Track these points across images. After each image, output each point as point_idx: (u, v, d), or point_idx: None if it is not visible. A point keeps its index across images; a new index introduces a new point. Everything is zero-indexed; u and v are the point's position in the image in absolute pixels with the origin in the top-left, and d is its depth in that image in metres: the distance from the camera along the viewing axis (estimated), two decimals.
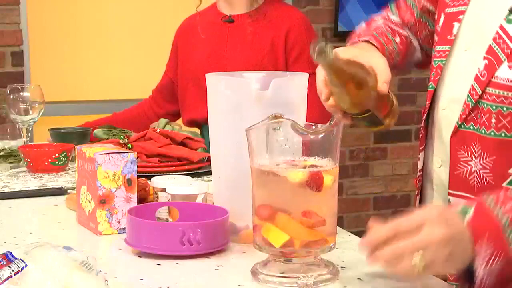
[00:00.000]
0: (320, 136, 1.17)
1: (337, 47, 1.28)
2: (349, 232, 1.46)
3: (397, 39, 1.53)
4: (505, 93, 1.28)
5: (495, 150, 1.30)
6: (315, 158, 1.18)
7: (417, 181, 1.50)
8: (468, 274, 1.13)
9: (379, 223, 1.10)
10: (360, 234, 1.56)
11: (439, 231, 1.07)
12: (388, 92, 1.32)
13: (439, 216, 1.09)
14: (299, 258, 1.17)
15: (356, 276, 1.21)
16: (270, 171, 1.17)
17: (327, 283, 1.17)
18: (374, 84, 1.27)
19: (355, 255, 1.31)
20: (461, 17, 1.40)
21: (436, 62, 1.43)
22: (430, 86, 1.44)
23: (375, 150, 4.24)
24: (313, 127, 1.21)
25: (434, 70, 1.44)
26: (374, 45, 1.46)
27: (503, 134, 1.29)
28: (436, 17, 1.51)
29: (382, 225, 1.09)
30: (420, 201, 1.51)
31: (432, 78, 1.44)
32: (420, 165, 1.49)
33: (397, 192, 4.28)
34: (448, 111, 1.40)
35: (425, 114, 1.48)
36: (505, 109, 1.28)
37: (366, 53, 1.38)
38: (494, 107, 1.29)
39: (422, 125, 1.49)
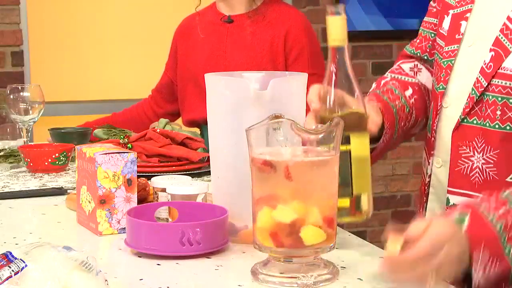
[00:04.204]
0: (320, 136, 1.17)
1: None
2: (349, 232, 1.46)
3: (409, 92, 1.49)
4: None
5: (500, 143, 1.30)
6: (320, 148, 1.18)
7: (425, 187, 1.49)
8: (465, 279, 1.14)
9: (395, 232, 1.10)
10: (360, 234, 1.56)
11: (456, 250, 1.08)
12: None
13: (454, 234, 1.09)
14: (299, 258, 1.17)
15: (356, 276, 1.21)
16: (270, 160, 1.16)
17: (327, 283, 1.17)
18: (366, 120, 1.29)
19: (355, 255, 1.31)
20: (468, 15, 1.39)
21: (446, 62, 1.42)
22: (441, 87, 1.42)
23: None
24: (313, 127, 1.21)
25: (443, 70, 1.43)
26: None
27: (508, 127, 1.30)
28: (437, 22, 1.50)
29: (402, 250, 1.08)
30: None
31: (442, 79, 1.42)
32: (429, 170, 1.47)
33: (397, 192, 4.28)
34: (451, 109, 1.40)
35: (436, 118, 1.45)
36: (511, 100, 1.28)
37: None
38: (499, 99, 1.29)
39: (434, 128, 1.45)
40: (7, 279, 0.98)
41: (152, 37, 4.49)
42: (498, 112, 1.30)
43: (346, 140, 1.26)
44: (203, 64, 2.55)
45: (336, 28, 1.26)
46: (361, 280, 1.19)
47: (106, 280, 1.05)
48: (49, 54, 4.46)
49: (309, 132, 1.17)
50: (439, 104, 1.43)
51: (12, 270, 0.99)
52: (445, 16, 1.45)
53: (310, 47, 2.53)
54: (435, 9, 1.54)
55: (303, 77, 1.39)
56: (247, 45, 2.52)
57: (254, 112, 1.29)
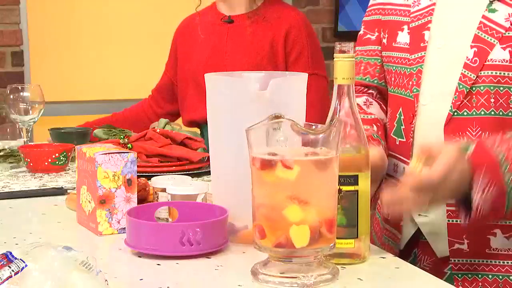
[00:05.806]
0: (320, 136, 1.17)
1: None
2: None
3: (375, 128, 1.56)
4: (502, 73, 1.41)
5: (496, 127, 1.41)
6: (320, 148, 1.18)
7: None
8: (466, 203, 1.30)
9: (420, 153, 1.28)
10: None
11: (457, 176, 1.26)
12: None
13: (458, 159, 1.26)
14: (299, 258, 1.17)
15: (356, 276, 1.21)
16: (271, 160, 1.16)
17: (327, 283, 1.17)
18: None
19: None
20: (429, 25, 1.51)
21: (416, 68, 1.51)
22: (415, 90, 1.50)
23: None
24: (313, 127, 1.21)
25: (414, 75, 1.50)
26: None
27: (500, 113, 1.42)
28: (384, 41, 1.60)
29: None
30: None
31: (415, 83, 1.50)
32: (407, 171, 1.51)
33: None
34: (431, 106, 1.48)
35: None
36: (501, 88, 1.41)
37: None
38: (492, 88, 1.42)
39: (412, 130, 1.50)
40: (7, 279, 0.98)
41: (152, 37, 4.50)
42: (492, 100, 1.42)
43: (355, 181, 1.26)
44: (203, 64, 2.55)
45: (344, 67, 1.26)
46: (361, 280, 1.19)
47: (106, 280, 1.05)
48: (49, 54, 4.47)
49: (309, 132, 1.17)
50: (416, 105, 1.50)
51: (12, 270, 0.99)
52: (399, 32, 1.56)
53: (311, 47, 2.53)
54: (374, 37, 1.65)
55: (303, 77, 1.39)
56: (247, 46, 2.52)
57: (254, 112, 1.29)
